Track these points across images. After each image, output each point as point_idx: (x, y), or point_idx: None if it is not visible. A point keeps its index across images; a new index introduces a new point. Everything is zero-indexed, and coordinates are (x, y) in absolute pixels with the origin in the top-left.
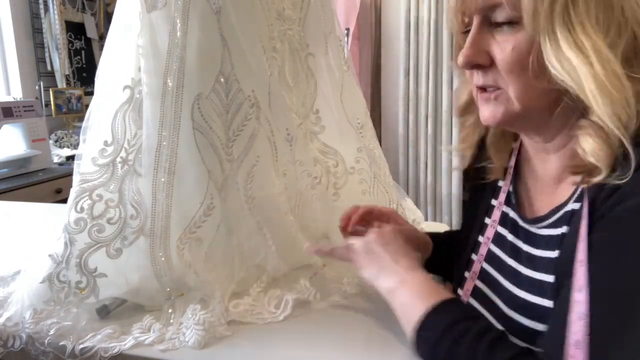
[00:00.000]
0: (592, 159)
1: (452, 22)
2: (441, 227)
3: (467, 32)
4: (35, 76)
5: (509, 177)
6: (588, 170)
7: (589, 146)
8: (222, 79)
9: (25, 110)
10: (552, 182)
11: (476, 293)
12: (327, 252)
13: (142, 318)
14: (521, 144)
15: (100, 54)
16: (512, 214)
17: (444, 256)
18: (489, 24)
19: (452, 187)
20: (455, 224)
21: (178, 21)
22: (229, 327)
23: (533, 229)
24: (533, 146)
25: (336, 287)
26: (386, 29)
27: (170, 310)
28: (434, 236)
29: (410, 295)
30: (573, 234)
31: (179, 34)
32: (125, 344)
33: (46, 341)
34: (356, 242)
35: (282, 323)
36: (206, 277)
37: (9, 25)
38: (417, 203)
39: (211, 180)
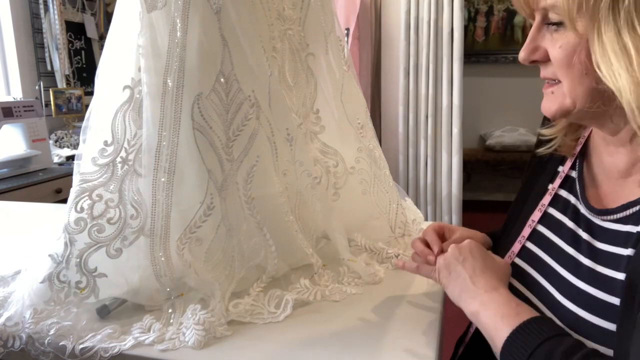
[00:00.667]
0: None
1: (524, 11)
2: None
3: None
4: (35, 76)
5: (570, 163)
6: None
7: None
8: (222, 79)
9: (25, 110)
10: (620, 175)
11: (517, 272)
12: (414, 269)
13: (142, 318)
14: (591, 132)
15: (100, 54)
16: (573, 201)
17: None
18: (547, 22)
19: (452, 187)
20: (455, 224)
21: (178, 21)
22: (229, 327)
23: (597, 220)
24: (602, 137)
25: (336, 287)
26: (386, 29)
27: (170, 310)
28: (491, 235)
29: (492, 318)
30: None
31: (179, 33)
32: (126, 344)
33: (46, 341)
34: (438, 259)
35: (282, 323)
36: (206, 277)
37: (9, 25)
38: (417, 203)
39: (211, 180)
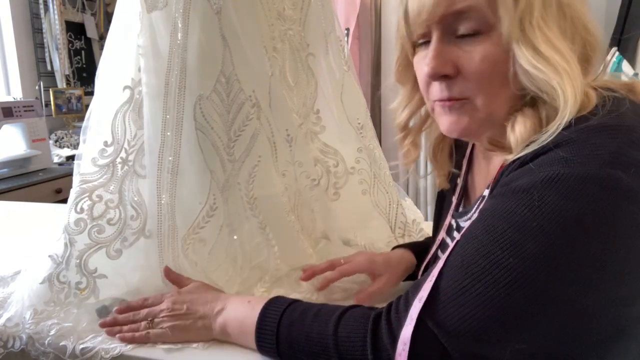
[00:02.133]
0: (513, 139)
1: (403, 36)
2: None
3: (420, 45)
4: (35, 76)
5: (462, 173)
6: (505, 147)
7: (520, 128)
8: (223, 79)
9: (25, 110)
10: (484, 184)
11: None
12: (129, 338)
13: None
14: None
15: (100, 54)
16: (454, 224)
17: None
18: (450, 35)
19: None
20: None
21: (179, 22)
22: None
23: (462, 222)
24: (481, 153)
25: (338, 287)
26: (386, 29)
27: None
28: (415, 245)
29: (238, 322)
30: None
31: (179, 34)
32: (126, 344)
33: (46, 342)
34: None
35: None
36: (211, 276)
37: (9, 25)
38: (417, 203)
39: (213, 180)
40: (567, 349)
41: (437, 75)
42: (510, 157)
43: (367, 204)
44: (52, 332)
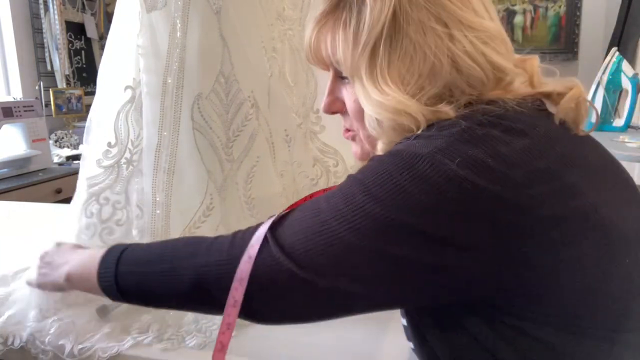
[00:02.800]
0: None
1: (321, 65)
2: None
3: None
4: (35, 76)
5: None
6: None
7: (380, 146)
8: (222, 79)
9: (25, 110)
10: None
11: None
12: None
13: (141, 318)
14: None
15: (100, 54)
16: None
17: None
18: (339, 76)
19: None
20: None
21: (178, 21)
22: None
23: None
24: None
25: None
26: None
27: (169, 313)
28: None
29: (82, 263)
30: None
31: (179, 34)
32: (124, 344)
33: (46, 340)
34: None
35: None
36: None
37: (9, 25)
38: None
39: (211, 180)
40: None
41: (329, 112)
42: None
43: None
44: (52, 330)
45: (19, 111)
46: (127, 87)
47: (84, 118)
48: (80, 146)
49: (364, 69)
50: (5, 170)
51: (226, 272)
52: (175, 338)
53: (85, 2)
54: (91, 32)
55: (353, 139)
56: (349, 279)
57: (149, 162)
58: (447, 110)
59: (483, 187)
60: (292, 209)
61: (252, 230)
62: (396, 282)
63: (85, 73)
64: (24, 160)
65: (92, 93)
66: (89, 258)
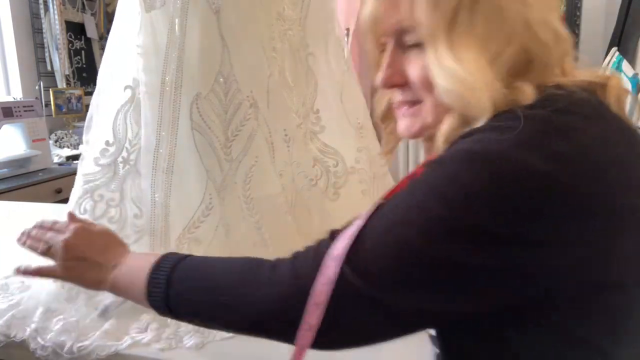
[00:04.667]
0: (439, 135)
1: (368, 41)
2: None
3: (384, 50)
4: (35, 76)
5: None
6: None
7: (445, 127)
8: (221, 79)
9: (25, 110)
10: None
11: None
12: (33, 271)
13: (140, 318)
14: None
15: (100, 54)
16: None
17: None
18: (402, 45)
19: None
20: None
21: (177, 21)
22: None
23: None
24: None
25: None
26: None
27: None
28: None
29: (130, 271)
30: None
31: (177, 33)
32: (122, 344)
33: (48, 336)
34: (55, 249)
35: None
36: None
37: (9, 25)
38: None
39: (210, 180)
40: (449, 316)
41: (387, 85)
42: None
43: (367, 204)
44: (57, 327)
45: (19, 111)
46: (126, 87)
47: (84, 118)
48: (80, 146)
49: (442, 31)
50: (5, 170)
51: (291, 306)
52: (173, 338)
53: (85, 2)
54: (91, 32)
55: (413, 113)
56: (429, 297)
57: (148, 161)
58: (526, 89)
59: (570, 184)
60: (365, 220)
61: (315, 253)
62: (479, 293)
63: (85, 73)
64: (24, 160)
65: (92, 93)
66: (137, 269)
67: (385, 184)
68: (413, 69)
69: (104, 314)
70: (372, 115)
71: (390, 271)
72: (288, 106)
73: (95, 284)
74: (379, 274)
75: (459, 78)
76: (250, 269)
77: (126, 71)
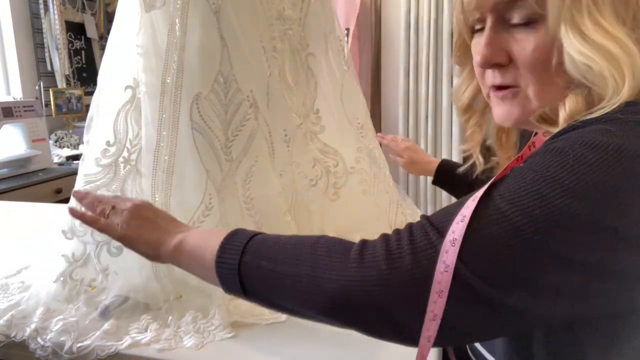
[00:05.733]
0: (562, 114)
1: (460, 20)
2: None
3: (477, 31)
4: (35, 76)
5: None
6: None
7: (571, 105)
8: (221, 79)
9: (25, 110)
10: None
11: None
12: (79, 215)
13: (140, 318)
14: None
15: (100, 54)
16: None
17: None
18: (504, 23)
19: None
20: None
21: (177, 21)
22: (230, 329)
23: None
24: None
25: None
26: (386, 29)
27: (167, 314)
28: (453, 167)
29: (196, 240)
30: None
31: (178, 33)
32: (122, 344)
33: (48, 337)
34: (123, 204)
35: (283, 323)
36: None
37: (9, 25)
38: (417, 203)
39: (210, 180)
40: (566, 314)
41: (488, 64)
42: (554, 131)
43: (367, 204)
44: (57, 328)
45: (19, 111)
46: (127, 87)
47: (84, 118)
48: (80, 146)
49: (565, 7)
50: (5, 170)
51: (380, 289)
52: (173, 338)
53: (85, 2)
54: (91, 32)
55: (513, 97)
56: (541, 294)
57: (148, 161)
58: None
59: None
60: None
61: (410, 239)
62: (589, 293)
63: (85, 73)
64: (24, 160)
65: (92, 93)
66: (208, 235)
67: (386, 184)
68: (522, 48)
69: (104, 314)
70: (372, 115)
71: (503, 265)
72: (288, 106)
73: (155, 245)
74: (489, 267)
75: (608, 54)
76: (337, 248)
77: (126, 71)
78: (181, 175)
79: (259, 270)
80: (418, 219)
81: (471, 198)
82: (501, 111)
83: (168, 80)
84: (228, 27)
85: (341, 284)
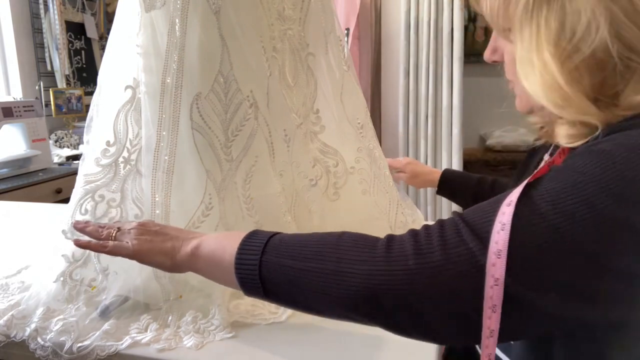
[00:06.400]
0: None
1: None
2: None
3: None
4: (35, 76)
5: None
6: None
7: (561, 131)
8: (221, 79)
9: (25, 110)
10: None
11: None
12: (84, 244)
13: (140, 318)
14: None
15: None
16: None
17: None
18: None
19: None
20: None
21: (177, 21)
22: (230, 329)
23: None
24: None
25: None
26: (386, 29)
27: (167, 314)
28: (449, 171)
29: (215, 242)
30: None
31: (178, 33)
32: (122, 344)
33: (48, 337)
34: (128, 231)
35: (283, 323)
36: None
37: (9, 25)
38: (417, 203)
39: (210, 180)
40: (602, 317)
41: (488, 60)
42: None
43: (367, 204)
44: (57, 327)
45: (19, 111)
46: (127, 87)
47: (84, 118)
48: (80, 146)
49: (517, 25)
50: (5, 170)
51: (410, 287)
52: (173, 338)
53: (85, 2)
54: (91, 32)
55: (512, 88)
56: (581, 297)
57: (148, 161)
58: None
59: None
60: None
61: (441, 235)
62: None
63: (85, 73)
64: (24, 160)
65: (92, 93)
66: (225, 238)
67: (386, 184)
68: (504, 52)
69: (104, 314)
70: (372, 115)
71: (544, 267)
72: (288, 106)
73: (171, 254)
74: (531, 272)
75: (533, 71)
76: (360, 239)
77: (126, 71)
78: (181, 175)
79: (281, 268)
80: (418, 218)
81: (505, 202)
82: (516, 101)
83: (168, 80)
84: (228, 27)
85: (367, 277)
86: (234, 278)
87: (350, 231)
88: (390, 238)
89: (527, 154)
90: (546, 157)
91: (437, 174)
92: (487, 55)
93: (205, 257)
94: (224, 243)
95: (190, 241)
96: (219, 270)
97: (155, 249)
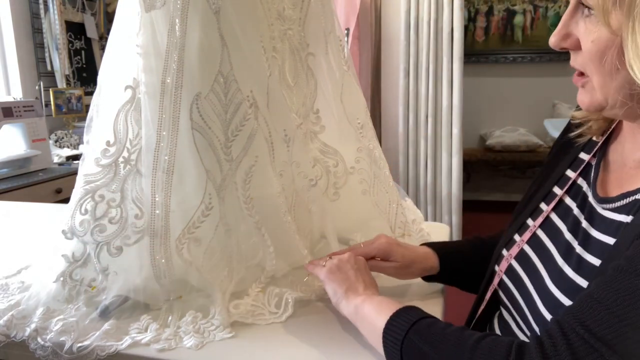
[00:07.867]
0: None
1: None
2: (441, 227)
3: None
4: (35, 76)
5: (593, 150)
6: None
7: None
8: (221, 79)
9: (25, 110)
10: (635, 165)
11: (522, 258)
12: (307, 266)
13: (140, 318)
14: (619, 122)
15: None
16: (585, 187)
17: (455, 265)
18: (583, 8)
19: (452, 187)
20: (455, 224)
21: (177, 20)
22: (230, 330)
23: (598, 208)
24: (630, 126)
25: None
26: (386, 29)
27: (167, 314)
28: (445, 248)
29: (375, 305)
30: (636, 227)
31: (178, 33)
32: (122, 344)
33: (48, 337)
34: (332, 259)
35: (283, 323)
36: (206, 276)
37: (9, 25)
38: (417, 203)
39: (210, 180)
40: None
41: (556, 47)
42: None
43: (367, 204)
44: (57, 327)
45: (19, 111)
46: (127, 87)
47: (84, 118)
48: (80, 146)
49: (636, 7)
50: (5, 170)
51: None
52: (173, 338)
53: (85, 2)
54: (91, 32)
55: (582, 85)
56: None
57: (148, 162)
58: None
59: None
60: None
61: (572, 352)
62: None
63: (85, 73)
64: (24, 160)
65: (92, 93)
66: (387, 304)
67: (386, 184)
68: (585, 40)
69: (104, 314)
70: (372, 115)
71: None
72: (288, 106)
73: (339, 299)
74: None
75: None
76: (496, 348)
77: (126, 71)
78: (181, 175)
79: (419, 352)
80: (417, 218)
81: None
82: (578, 95)
83: (168, 80)
84: (228, 27)
85: None
86: (380, 342)
87: (492, 335)
88: (519, 349)
89: (552, 150)
90: (583, 155)
91: (428, 253)
92: (555, 41)
93: (363, 315)
94: (381, 309)
95: (358, 296)
96: (371, 332)
97: (335, 286)
